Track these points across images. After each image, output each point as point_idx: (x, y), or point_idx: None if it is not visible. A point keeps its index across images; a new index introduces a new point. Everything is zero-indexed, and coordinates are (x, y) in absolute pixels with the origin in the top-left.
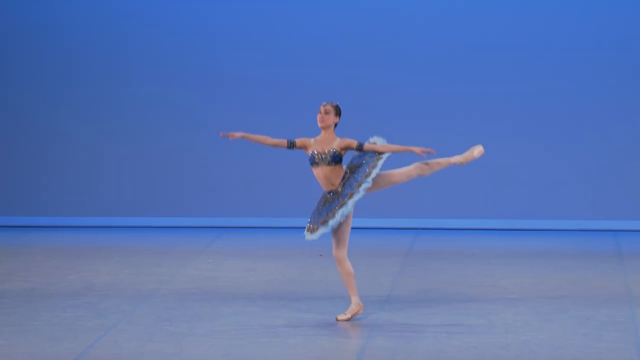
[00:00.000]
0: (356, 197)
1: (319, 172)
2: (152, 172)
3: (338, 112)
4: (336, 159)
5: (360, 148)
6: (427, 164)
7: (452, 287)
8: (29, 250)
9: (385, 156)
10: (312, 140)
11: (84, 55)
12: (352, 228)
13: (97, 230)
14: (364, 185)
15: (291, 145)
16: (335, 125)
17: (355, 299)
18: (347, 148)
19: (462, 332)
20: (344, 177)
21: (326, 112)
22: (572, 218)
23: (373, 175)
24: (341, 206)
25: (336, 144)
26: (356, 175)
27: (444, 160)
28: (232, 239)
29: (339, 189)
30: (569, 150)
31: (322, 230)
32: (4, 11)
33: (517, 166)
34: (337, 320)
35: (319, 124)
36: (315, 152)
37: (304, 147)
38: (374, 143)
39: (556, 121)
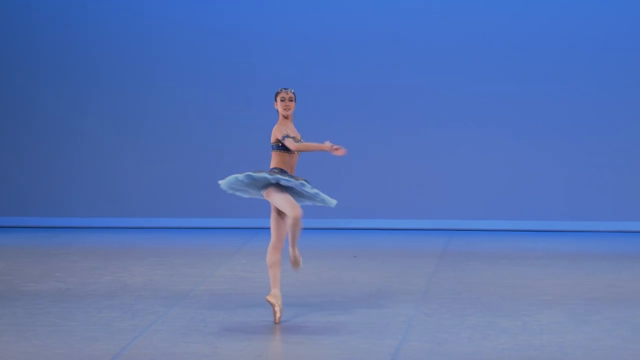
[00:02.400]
0: (280, 179)
1: (290, 158)
2: (187, 173)
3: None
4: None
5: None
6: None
7: (487, 289)
8: (63, 251)
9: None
10: (287, 128)
11: (115, 57)
12: (387, 229)
13: (132, 231)
14: (287, 181)
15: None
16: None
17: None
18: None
19: (497, 333)
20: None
21: (291, 100)
22: (607, 219)
23: (289, 184)
24: (260, 172)
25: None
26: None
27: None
28: (266, 239)
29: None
30: (605, 152)
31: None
32: (30, 10)
33: (552, 167)
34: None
35: (284, 112)
36: (294, 140)
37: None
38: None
39: (592, 121)
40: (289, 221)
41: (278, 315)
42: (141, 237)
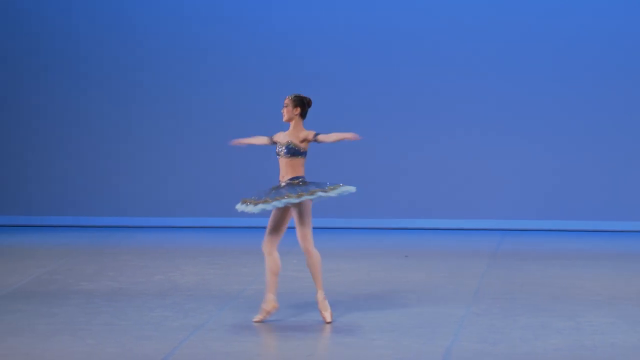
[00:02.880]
0: (287, 200)
1: (280, 162)
2: (238, 173)
3: (297, 103)
4: (291, 151)
5: (315, 138)
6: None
7: (538, 289)
8: (116, 250)
9: (324, 194)
10: (282, 133)
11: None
12: (438, 229)
13: (184, 231)
14: (295, 199)
15: (271, 142)
16: (302, 116)
17: (271, 296)
18: (305, 140)
19: (549, 333)
20: (299, 180)
21: (285, 106)
22: None
23: (308, 197)
24: (277, 199)
25: (297, 136)
26: (306, 187)
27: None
28: (318, 239)
29: (293, 184)
30: None
31: (260, 207)
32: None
33: (602, 167)
34: (253, 321)
35: (283, 119)
36: (277, 145)
37: (277, 139)
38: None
39: (638, 122)
40: (309, 262)
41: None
42: (193, 236)
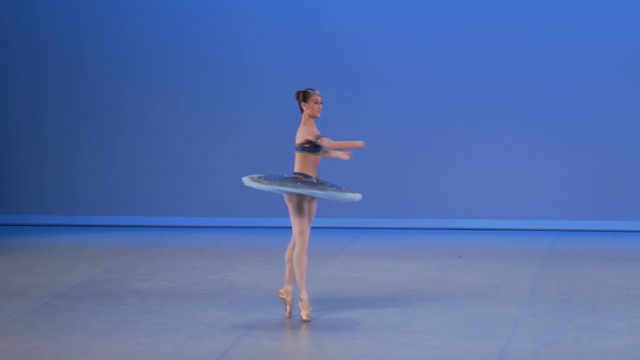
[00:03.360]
0: (293, 189)
1: (317, 158)
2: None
3: None
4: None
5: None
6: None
7: (593, 289)
8: (170, 250)
9: (325, 194)
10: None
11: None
12: (492, 229)
13: (237, 231)
14: (299, 189)
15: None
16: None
17: (290, 288)
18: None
19: (604, 335)
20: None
21: (322, 102)
22: None
23: (310, 192)
24: (285, 185)
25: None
26: (322, 184)
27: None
28: (371, 239)
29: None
30: None
31: (257, 184)
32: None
33: None
34: (303, 320)
35: (318, 115)
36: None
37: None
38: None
39: None
40: (294, 260)
41: (289, 309)
42: (246, 236)
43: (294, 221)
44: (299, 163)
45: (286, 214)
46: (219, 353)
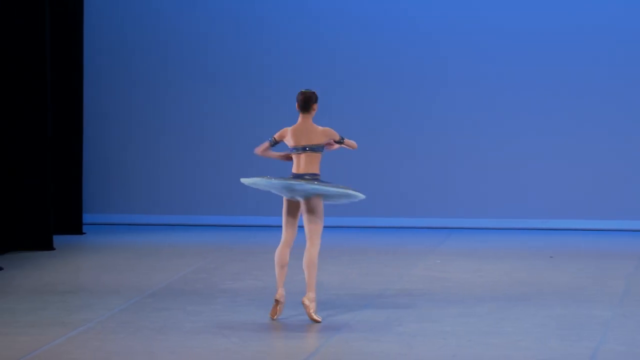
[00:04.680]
0: (307, 185)
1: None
2: (380, 173)
3: None
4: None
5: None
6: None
7: None
8: (261, 249)
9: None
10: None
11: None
12: (584, 229)
13: (327, 230)
14: (317, 186)
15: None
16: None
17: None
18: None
19: None
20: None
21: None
22: None
23: (324, 190)
24: (338, 187)
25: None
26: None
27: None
28: (461, 239)
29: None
30: None
31: (260, 181)
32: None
33: None
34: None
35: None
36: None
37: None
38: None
39: None
40: (306, 261)
41: (278, 314)
42: (337, 236)
43: (320, 222)
44: (318, 165)
45: (373, 214)
46: (308, 353)
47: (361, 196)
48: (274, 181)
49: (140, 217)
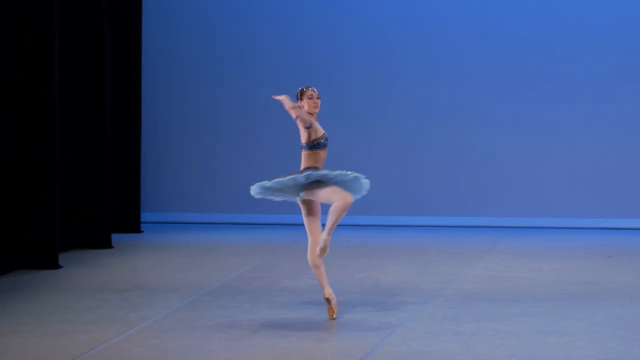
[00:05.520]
0: (310, 176)
1: (322, 154)
2: (440, 172)
3: None
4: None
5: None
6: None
7: None
8: None
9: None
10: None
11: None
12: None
13: (384, 229)
14: (314, 174)
15: (309, 124)
16: None
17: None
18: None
19: None
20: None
21: (318, 97)
22: None
23: (324, 175)
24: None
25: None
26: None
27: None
28: (518, 239)
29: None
30: None
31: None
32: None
33: None
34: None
35: (315, 110)
36: (323, 135)
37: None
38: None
39: None
40: (338, 204)
41: (335, 310)
42: (393, 234)
43: (331, 194)
44: (306, 162)
45: (431, 213)
46: (366, 351)
47: (363, 179)
48: (269, 184)
49: (197, 216)
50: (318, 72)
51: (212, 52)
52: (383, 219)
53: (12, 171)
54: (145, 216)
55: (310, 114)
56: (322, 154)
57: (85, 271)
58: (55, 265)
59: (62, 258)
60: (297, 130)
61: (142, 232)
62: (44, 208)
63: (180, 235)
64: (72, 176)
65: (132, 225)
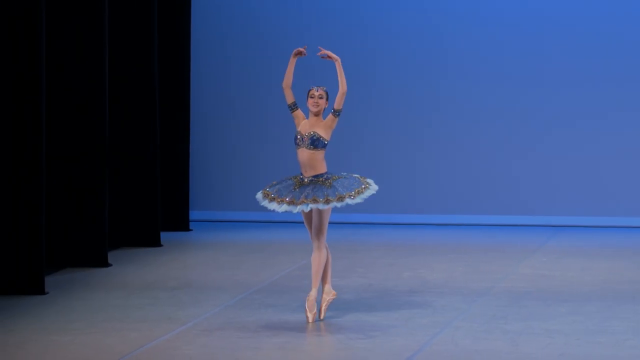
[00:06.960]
0: (315, 206)
1: (300, 154)
2: (489, 170)
3: (328, 97)
4: (315, 143)
5: (336, 113)
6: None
7: None
8: (365, 246)
9: (351, 201)
10: (304, 120)
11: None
12: None
13: (432, 228)
14: (322, 205)
15: (291, 108)
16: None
17: (328, 287)
18: (330, 124)
19: None
20: (325, 176)
21: (320, 97)
22: None
23: (335, 204)
24: (304, 202)
25: (320, 126)
26: (333, 189)
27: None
28: (567, 237)
29: (318, 182)
30: None
31: (285, 208)
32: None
33: None
34: (320, 318)
35: (313, 109)
36: (299, 134)
37: (296, 121)
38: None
39: None
40: (323, 258)
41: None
42: (442, 233)
43: (326, 225)
44: (324, 163)
45: (475, 211)
46: (413, 350)
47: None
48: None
49: (245, 214)
50: (363, 69)
51: (260, 52)
52: (430, 218)
53: (65, 170)
54: (194, 214)
55: (315, 114)
56: (297, 152)
57: (134, 269)
58: (105, 264)
59: (112, 256)
60: (347, 128)
61: (191, 230)
62: (94, 206)
63: (228, 234)
64: (122, 175)
65: (181, 223)
